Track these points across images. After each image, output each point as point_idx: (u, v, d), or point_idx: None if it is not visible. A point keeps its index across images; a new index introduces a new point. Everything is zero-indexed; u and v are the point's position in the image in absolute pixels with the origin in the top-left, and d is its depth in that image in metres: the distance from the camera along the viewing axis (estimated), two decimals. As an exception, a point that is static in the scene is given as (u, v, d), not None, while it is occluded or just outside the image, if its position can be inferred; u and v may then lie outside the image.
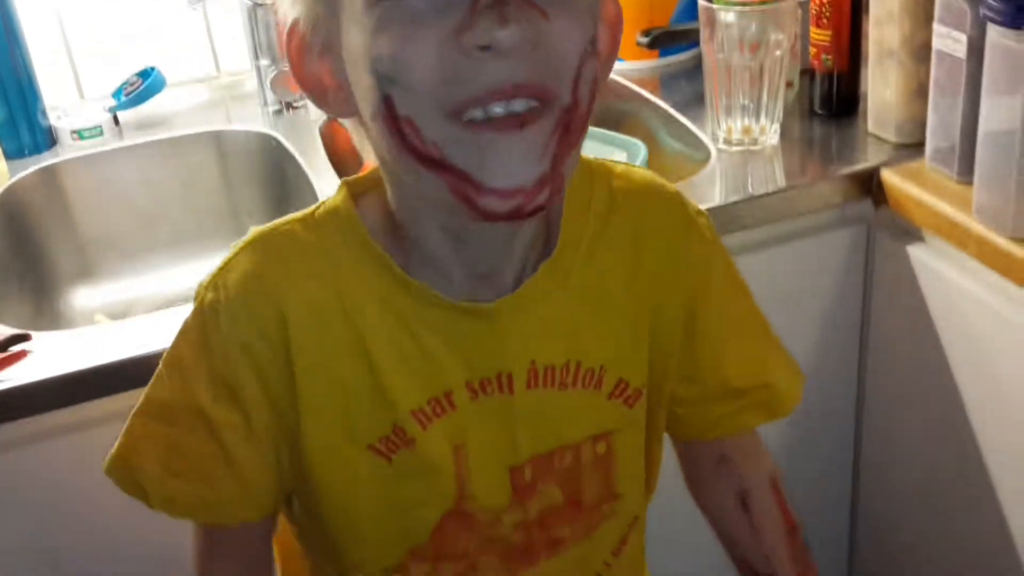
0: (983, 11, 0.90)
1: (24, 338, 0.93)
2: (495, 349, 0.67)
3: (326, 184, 1.23)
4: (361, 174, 0.69)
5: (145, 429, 0.69)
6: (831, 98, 1.24)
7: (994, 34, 0.91)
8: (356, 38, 0.58)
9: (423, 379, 0.67)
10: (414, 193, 0.63)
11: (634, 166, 0.75)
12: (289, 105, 1.41)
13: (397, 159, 0.59)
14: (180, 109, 1.44)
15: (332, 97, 0.63)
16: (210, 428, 0.67)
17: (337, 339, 0.66)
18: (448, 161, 0.57)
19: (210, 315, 0.66)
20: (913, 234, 1.10)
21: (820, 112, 1.25)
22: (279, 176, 1.34)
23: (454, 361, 0.67)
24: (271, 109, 1.41)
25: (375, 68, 0.57)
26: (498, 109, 0.56)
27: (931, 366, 1.09)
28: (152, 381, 0.70)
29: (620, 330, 0.71)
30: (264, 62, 1.39)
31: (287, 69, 1.35)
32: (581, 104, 0.58)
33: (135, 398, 0.71)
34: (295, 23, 0.62)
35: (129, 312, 1.33)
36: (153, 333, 0.94)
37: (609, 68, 0.65)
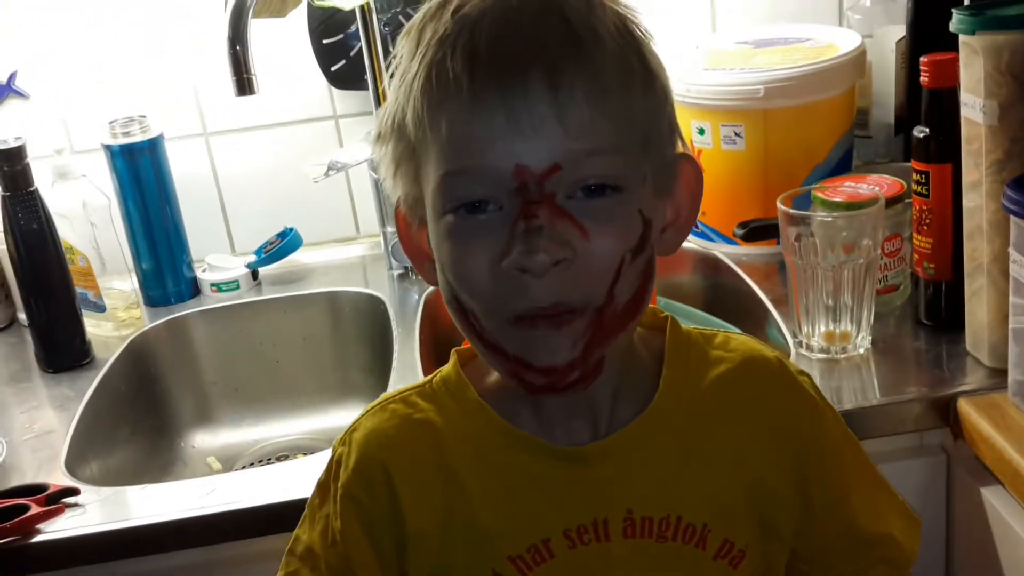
0: (1030, 249, 0.81)
1: (73, 492, 1.02)
2: (590, 495, 0.71)
3: (407, 351, 1.26)
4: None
5: (286, 563, 0.78)
6: (935, 308, 1.14)
7: (1045, 274, 0.82)
8: (432, 237, 0.68)
9: (521, 526, 0.71)
10: None
11: (733, 334, 0.78)
12: (411, 269, 1.47)
13: (470, 340, 0.69)
14: (320, 266, 1.54)
15: (427, 267, 0.72)
16: (321, 570, 0.75)
17: (438, 491, 0.72)
18: (504, 349, 0.67)
19: (335, 467, 0.76)
20: (992, 475, 0.98)
21: (925, 322, 1.16)
22: (385, 337, 1.39)
23: (551, 508, 0.71)
24: (395, 272, 1.48)
25: (444, 273, 0.67)
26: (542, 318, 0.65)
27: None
28: (300, 520, 0.79)
29: (722, 489, 0.73)
30: (390, 229, 1.47)
31: (409, 237, 1.45)
32: (616, 301, 0.65)
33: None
34: (398, 200, 0.71)
35: (240, 457, 1.42)
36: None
37: (685, 233, 0.72)
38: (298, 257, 1.54)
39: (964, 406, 0.99)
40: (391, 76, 0.69)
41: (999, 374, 1.03)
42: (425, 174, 0.66)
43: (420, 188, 0.68)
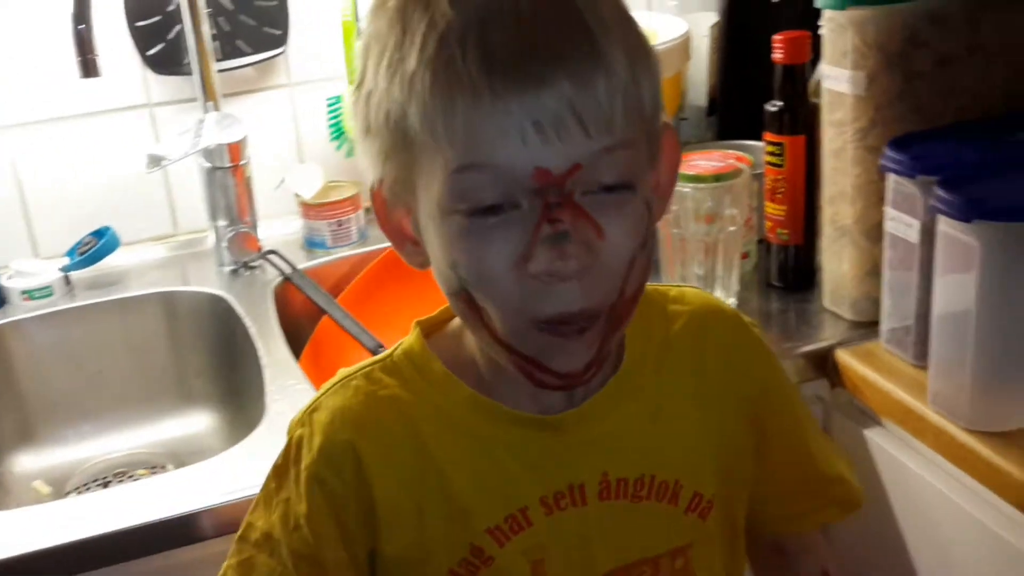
0: (932, 202, 0.89)
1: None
2: (566, 460, 0.71)
3: (273, 347, 1.20)
4: (432, 314, 0.75)
5: (238, 550, 0.73)
6: (787, 271, 1.23)
7: (944, 224, 0.90)
8: (433, 232, 0.65)
9: (498, 497, 0.70)
10: None
11: (686, 287, 0.80)
12: (245, 265, 1.39)
13: (474, 331, 0.68)
14: (136, 268, 1.42)
15: (410, 249, 0.69)
16: (282, 555, 0.71)
17: (410, 468, 0.70)
18: (516, 348, 0.65)
19: (295, 450, 0.72)
20: (871, 418, 1.06)
21: (776, 284, 1.24)
22: (229, 338, 1.31)
23: (527, 476, 0.70)
24: (227, 269, 1.40)
25: (456, 270, 0.64)
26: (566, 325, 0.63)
27: (892, 555, 1.05)
28: (252, 506, 0.75)
29: (691, 444, 0.74)
30: (221, 223, 1.38)
31: (244, 230, 1.38)
32: (627, 295, 0.65)
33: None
34: (379, 182, 0.68)
35: (70, 478, 1.28)
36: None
37: (666, 203, 0.71)
38: (109, 259, 1.42)
39: (843, 356, 1.07)
40: (362, 56, 0.65)
41: (861, 326, 1.12)
42: (425, 170, 0.63)
43: (411, 179, 0.65)
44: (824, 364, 1.10)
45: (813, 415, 0.85)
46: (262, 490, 0.74)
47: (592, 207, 0.62)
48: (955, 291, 0.91)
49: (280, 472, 0.73)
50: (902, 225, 0.99)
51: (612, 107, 0.61)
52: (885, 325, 1.06)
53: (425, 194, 0.64)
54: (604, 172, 0.62)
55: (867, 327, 1.11)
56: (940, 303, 0.93)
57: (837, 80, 1.06)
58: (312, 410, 0.73)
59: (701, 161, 1.22)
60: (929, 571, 1.02)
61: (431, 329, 0.75)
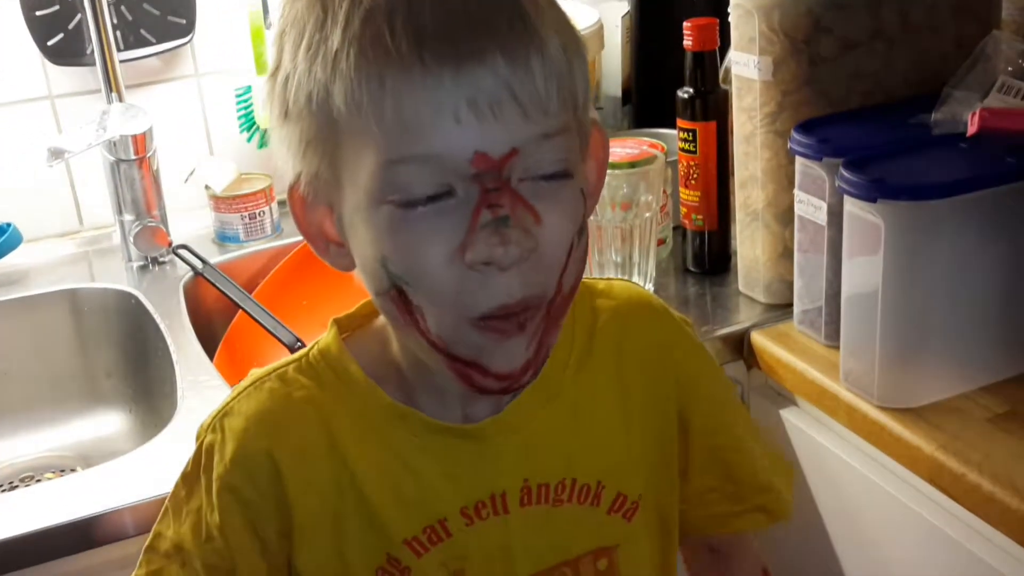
0: (838, 183, 0.91)
1: None
2: (487, 470, 0.69)
3: (185, 343, 1.18)
4: (351, 310, 0.72)
5: (147, 560, 0.71)
6: (703, 256, 1.24)
7: (850, 205, 0.91)
8: (361, 225, 0.62)
9: (416, 508, 0.69)
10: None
11: (615, 280, 0.78)
12: (154, 260, 1.36)
13: (405, 333, 0.64)
14: (40, 265, 1.38)
15: (334, 251, 0.66)
16: (195, 567, 0.69)
17: (327, 477, 0.68)
18: (452, 351, 0.62)
19: (206, 457, 0.69)
20: (786, 397, 1.08)
21: (693, 270, 1.25)
22: (139, 335, 1.28)
23: (447, 486, 0.69)
24: (135, 265, 1.36)
25: (385, 265, 0.61)
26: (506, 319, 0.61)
27: (808, 530, 1.07)
28: (159, 515, 0.72)
29: (613, 444, 0.73)
30: (128, 217, 1.35)
31: (151, 224, 1.34)
32: (564, 290, 0.63)
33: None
34: (297, 178, 0.64)
35: (-26, 484, 1.24)
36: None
37: (594, 201, 0.68)
38: (11, 256, 1.37)
39: (758, 338, 1.09)
40: (278, 42, 0.62)
41: (775, 308, 1.13)
42: (351, 157, 0.60)
43: (335, 169, 0.62)
44: (740, 346, 1.11)
45: (750, 421, 0.83)
46: (170, 498, 0.72)
47: (529, 194, 0.60)
48: (862, 271, 0.92)
49: (190, 480, 0.71)
50: (811, 207, 1.00)
51: (548, 89, 0.59)
52: (798, 307, 1.07)
53: (351, 185, 0.61)
54: (541, 160, 0.60)
55: (781, 309, 1.12)
56: (849, 283, 0.95)
57: (745, 66, 1.07)
58: (223, 415, 0.70)
59: (616, 149, 1.22)
60: (844, 544, 1.04)
61: (350, 327, 0.72)
